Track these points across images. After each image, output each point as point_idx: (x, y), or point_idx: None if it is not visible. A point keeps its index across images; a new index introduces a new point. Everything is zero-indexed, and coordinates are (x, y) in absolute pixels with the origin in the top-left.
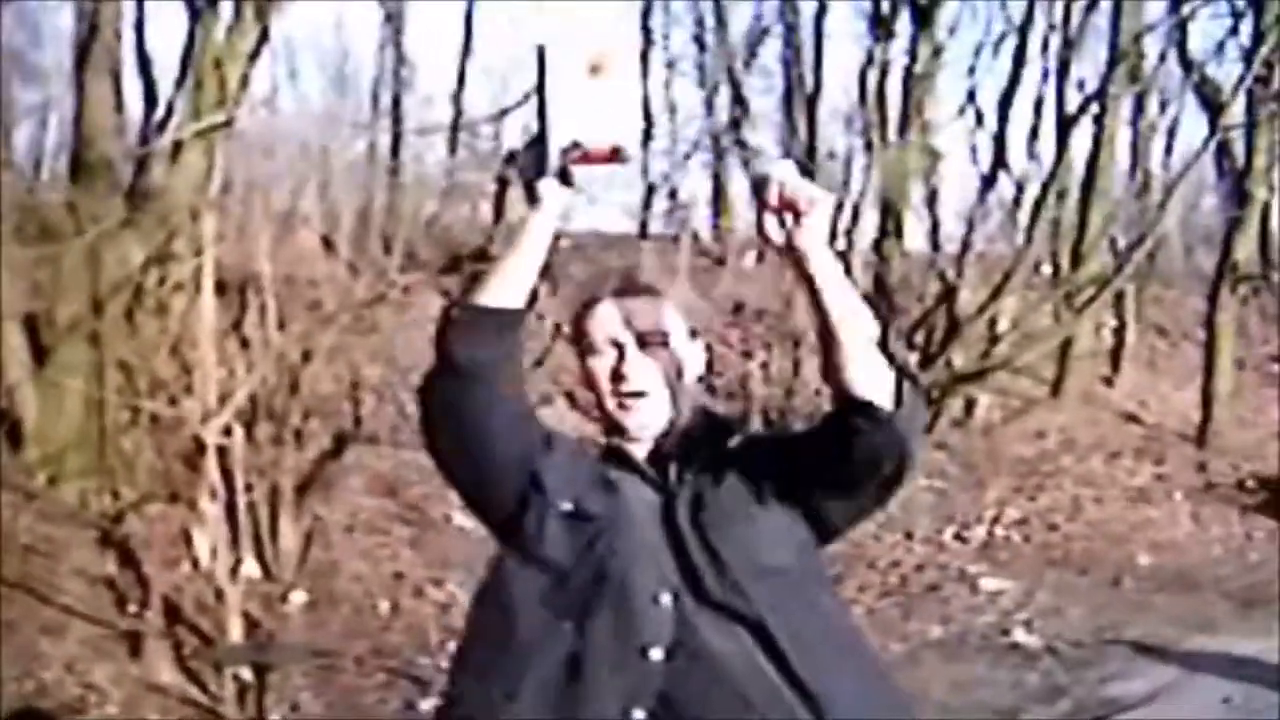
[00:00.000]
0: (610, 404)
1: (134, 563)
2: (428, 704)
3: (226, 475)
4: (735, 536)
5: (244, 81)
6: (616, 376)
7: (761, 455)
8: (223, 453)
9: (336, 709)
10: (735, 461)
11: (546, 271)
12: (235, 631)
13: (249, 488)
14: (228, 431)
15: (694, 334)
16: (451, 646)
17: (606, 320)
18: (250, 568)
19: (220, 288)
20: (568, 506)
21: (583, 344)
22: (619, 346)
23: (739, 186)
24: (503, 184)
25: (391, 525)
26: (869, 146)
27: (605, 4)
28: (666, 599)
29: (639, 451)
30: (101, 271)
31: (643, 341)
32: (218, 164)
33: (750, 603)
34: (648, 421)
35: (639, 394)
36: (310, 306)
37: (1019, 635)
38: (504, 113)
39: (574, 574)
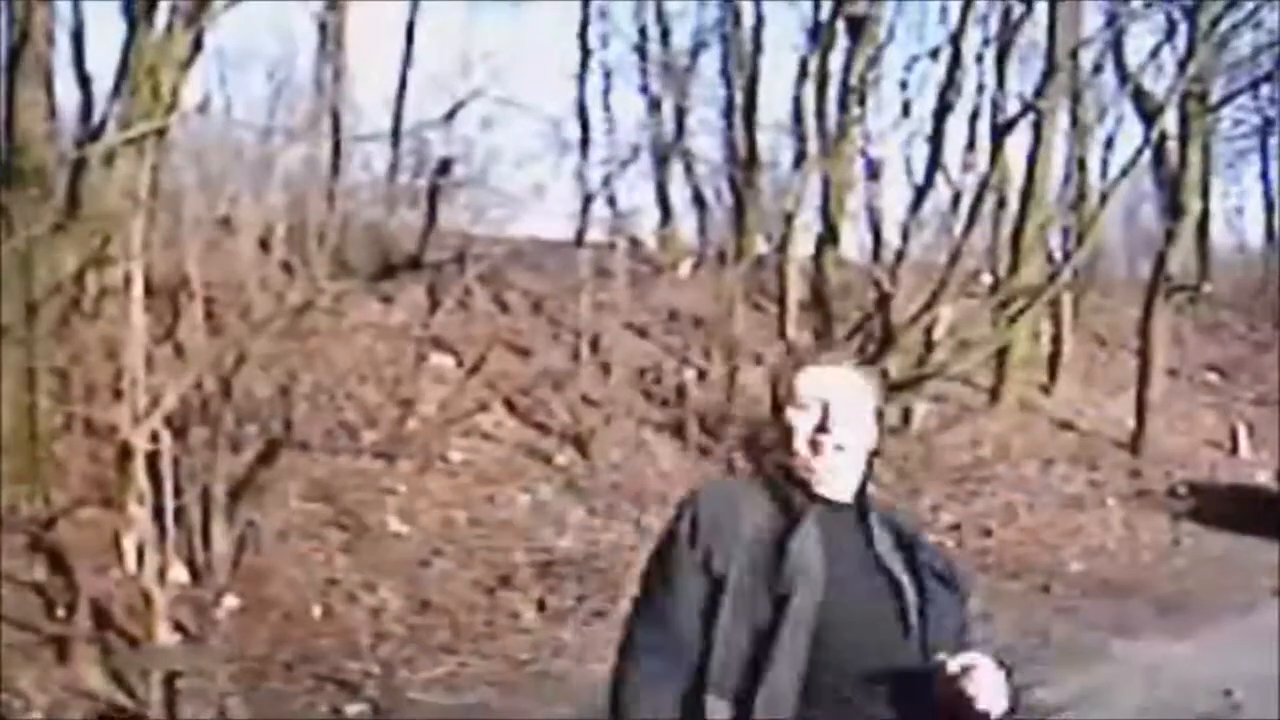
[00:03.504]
0: (805, 451)
1: (64, 568)
2: (354, 709)
3: (156, 480)
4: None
5: (176, 89)
6: (821, 430)
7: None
8: (152, 458)
9: (264, 714)
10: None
11: (486, 279)
12: (163, 636)
13: (180, 492)
14: (156, 437)
15: (880, 414)
16: (383, 651)
17: (816, 380)
18: (179, 573)
19: (154, 293)
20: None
21: (789, 398)
22: (825, 405)
23: (679, 194)
24: (435, 190)
25: (325, 531)
26: (802, 156)
27: (546, 11)
28: None
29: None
30: (34, 277)
31: (844, 405)
32: (147, 170)
33: None
34: (843, 473)
35: (839, 448)
36: (244, 313)
37: None
38: (448, 117)
39: None
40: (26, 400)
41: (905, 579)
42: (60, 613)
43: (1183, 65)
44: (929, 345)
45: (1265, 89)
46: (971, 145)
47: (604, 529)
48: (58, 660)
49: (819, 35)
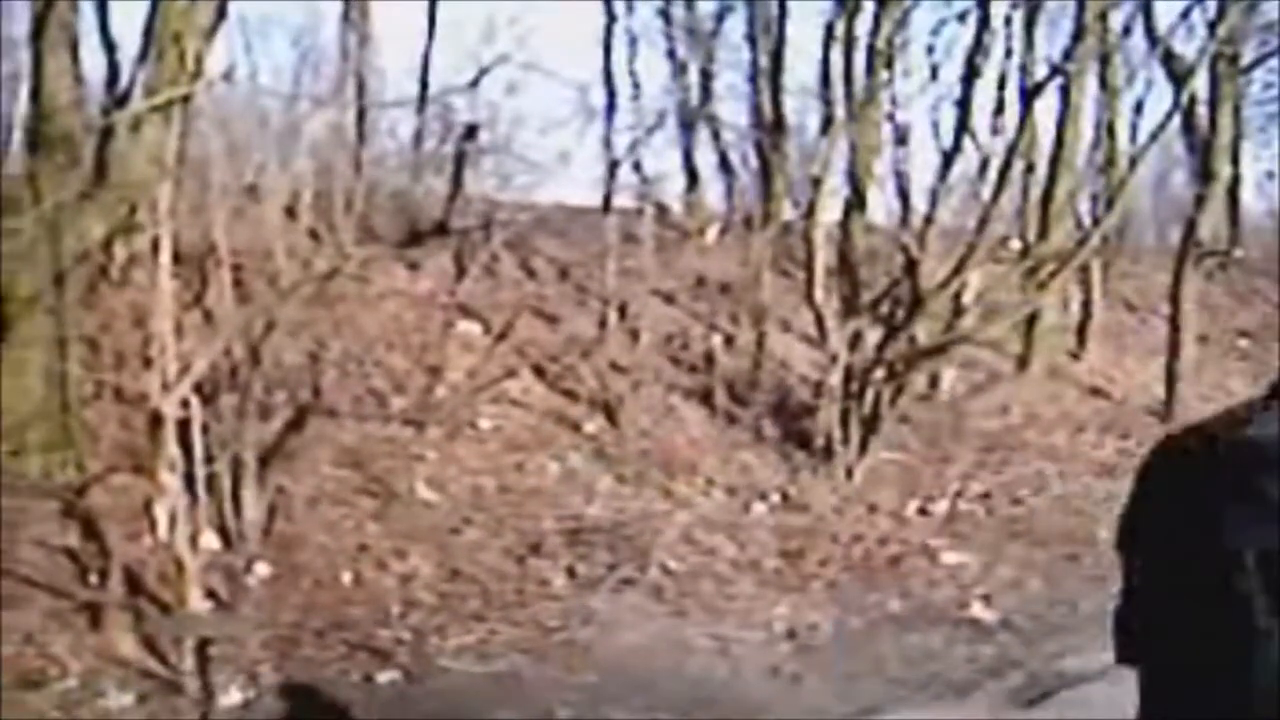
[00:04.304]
0: None
1: (96, 535)
2: (386, 676)
3: (187, 447)
4: None
5: (201, 57)
6: None
7: None
8: (183, 425)
9: (296, 680)
10: None
11: (513, 246)
12: (195, 602)
13: (211, 459)
14: (186, 404)
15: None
16: (413, 619)
17: None
18: (210, 539)
19: (182, 260)
20: None
21: None
22: None
23: (707, 160)
24: (460, 156)
25: (355, 498)
26: (829, 121)
27: None
28: None
29: None
30: (62, 245)
31: None
32: (174, 138)
33: None
34: None
35: None
36: (271, 280)
37: (977, 609)
38: (473, 83)
39: None
40: (57, 368)
41: None
42: (93, 579)
43: (1213, 27)
44: (957, 311)
45: None
46: (999, 110)
47: (633, 497)
48: (91, 626)
49: None
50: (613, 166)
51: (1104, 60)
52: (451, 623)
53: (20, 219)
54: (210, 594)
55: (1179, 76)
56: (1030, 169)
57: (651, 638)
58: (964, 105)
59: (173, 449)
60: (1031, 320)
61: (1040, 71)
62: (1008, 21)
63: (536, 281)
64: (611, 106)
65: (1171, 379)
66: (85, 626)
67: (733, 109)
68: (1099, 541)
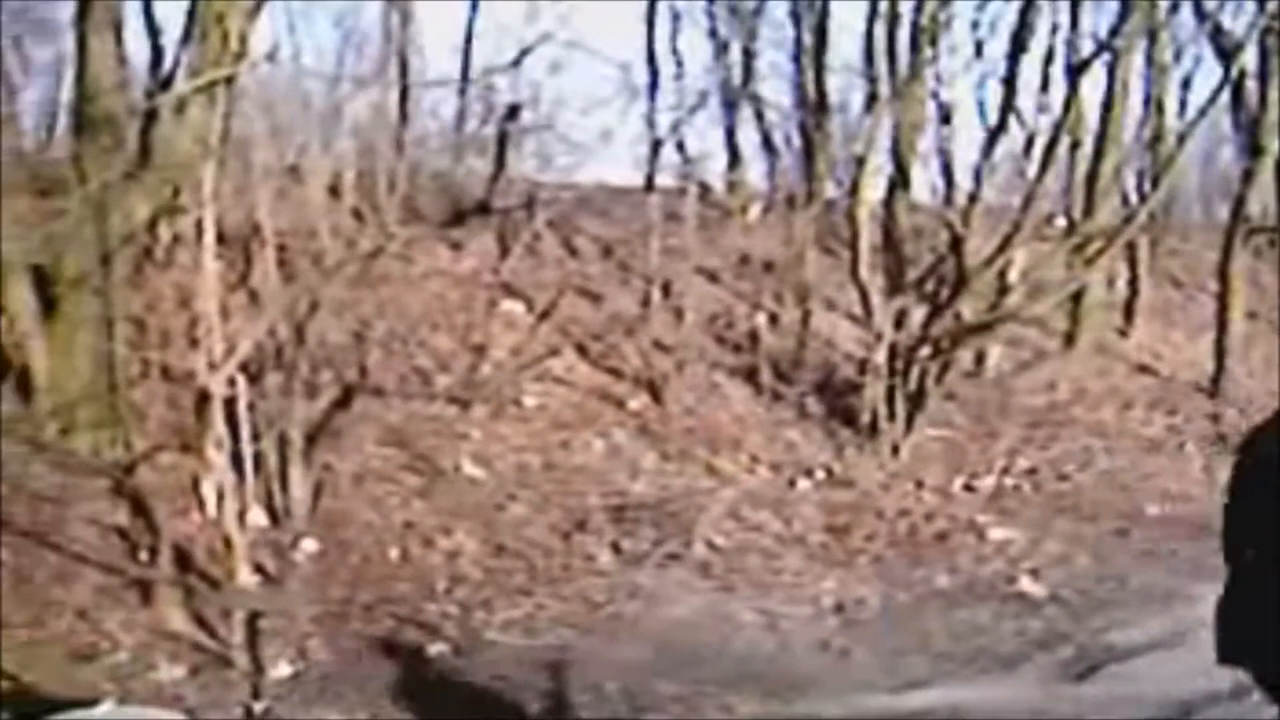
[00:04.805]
0: None
1: (145, 512)
2: (435, 649)
3: (233, 425)
4: None
5: (244, 37)
6: None
7: None
8: (229, 403)
9: (345, 655)
10: None
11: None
12: (244, 578)
13: (257, 437)
14: (232, 382)
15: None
16: (460, 594)
17: None
18: (257, 516)
19: (227, 241)
20: None
21: None
22: None
23: (749, 138)
24: (503, 136)
25: (401, 475)
26: (873, 99)
27: None
28: None
29: None
30: (108, 225)
31: None
32: (218, 119)
33: None
34: None
35: None
36: (315, 259)
37: (1025, 584)
38: (515, 62)
39: None
40: (104, 348)
41: None
42: (143, 556)
43: (1262, 2)
44: (1003, 289)
45: None
46: (1045, 87)
47: (677, 474)
48: (142, 602)
49: None
50: (655, 146)
51: (1151, 36)
52: (498, 597)
53: (67, 200)
54: (258, 570)
55: (1227, 52)
56: (1076, 146)
57: (698, 613)
58: (1009, 82)
59: (220, 427)
60: (1078, 297)
61: (1087, 48)
62: None
63: (579, 260)
64: (654, 85)
65: (1220, 355)
66: (136, 602)
67: (776, 87)
68: (1146, 517)
